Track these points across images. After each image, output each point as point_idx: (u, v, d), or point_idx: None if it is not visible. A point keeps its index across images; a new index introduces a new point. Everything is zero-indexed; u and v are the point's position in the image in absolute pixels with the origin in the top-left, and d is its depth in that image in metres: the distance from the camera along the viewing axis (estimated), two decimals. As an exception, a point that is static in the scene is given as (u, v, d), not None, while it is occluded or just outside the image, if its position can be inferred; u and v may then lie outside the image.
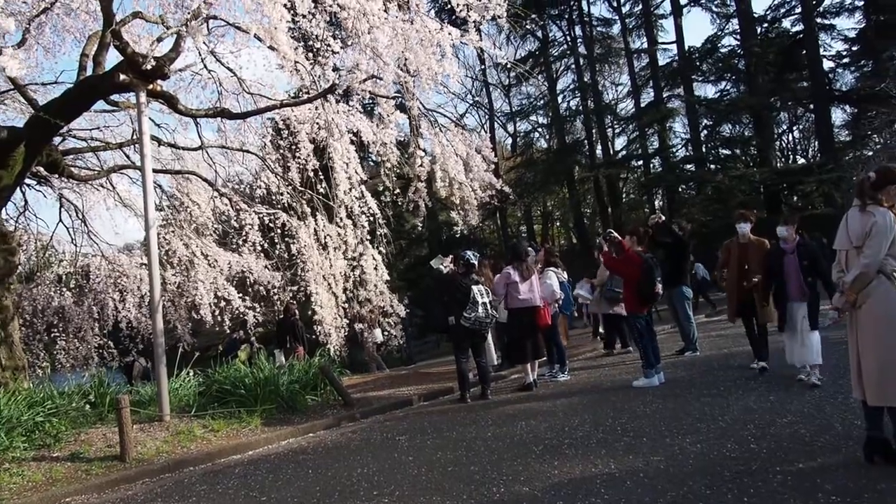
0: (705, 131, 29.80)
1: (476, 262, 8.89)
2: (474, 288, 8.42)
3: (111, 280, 13.46)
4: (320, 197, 11.82)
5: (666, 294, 9.88)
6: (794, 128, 35.84)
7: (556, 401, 7.68)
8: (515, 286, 8.64)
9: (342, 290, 11.76)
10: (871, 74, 25.67)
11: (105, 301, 13.42)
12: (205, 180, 12.91)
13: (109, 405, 7.87)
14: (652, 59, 30.23)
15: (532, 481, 4.62)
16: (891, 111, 21.14)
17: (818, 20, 26.12)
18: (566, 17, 32.36)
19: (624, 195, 35.70)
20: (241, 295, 12.72)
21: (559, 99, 33.92)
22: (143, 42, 9.44)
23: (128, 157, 12.48)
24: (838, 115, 29.54)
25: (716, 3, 29.51)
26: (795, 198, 26.82)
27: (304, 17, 7.57)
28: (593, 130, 32.62)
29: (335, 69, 9.33)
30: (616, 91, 37.41)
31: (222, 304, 12.64)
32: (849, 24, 51.71)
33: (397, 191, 12.36)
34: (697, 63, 29.42)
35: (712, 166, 28.55)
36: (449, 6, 8.36)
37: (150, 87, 8.38)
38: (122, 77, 8.09)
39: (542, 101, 34.78)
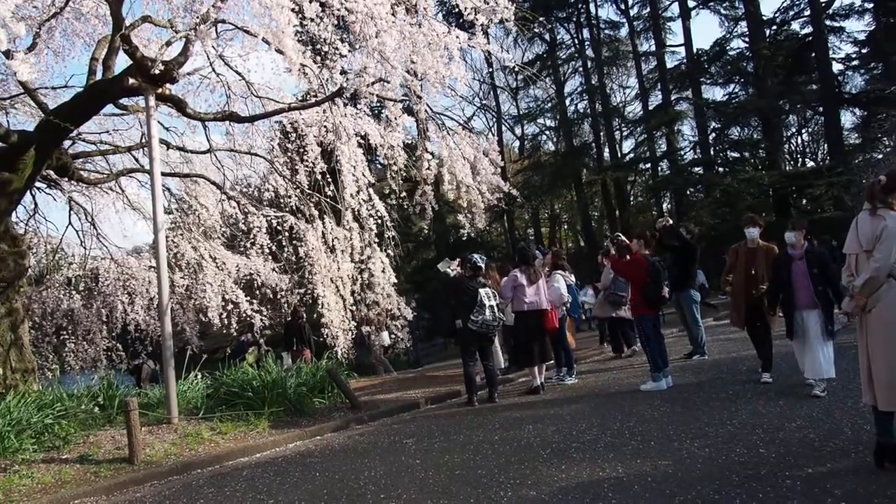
0: (713, 134, 29.69)
1: (483, 266, 8.88)
2: (481, 291, 8.41)
3: (120, 283, 13.54)
4: (328, 200, 11.85)
5: (674, 297, 9.85)
6: (803, 131, 35.73)
7: (564, 404, 7.66)
8: (522, 289, 8.63)
9: (350, 292, 11.79)
10: (880, 77, 25.55)
11: (114, 304, 13.50)
12: (213, 183, 12.97)
13: (118, 407, 7.90)
14: (660, 61, 30.15)
15: (539, 485, 4.61)
16: (901, 114, 21.02)
17: (827, 22, 25.99)
18: (574, 20, 32.35)
19: (632, 198, 35.64)
20: (248, 298, 12.77)
21: (567, 102, 33.89)
22: (152, 46, 9.51)
23: (136, 160, 12.55)
24: (848, 118, 29.48)
25: (724, 5, 29.42)
26: (804, 201, 26.70)
27: (311, 20, 7.59)
28: (601, 133, 32.58)
29: (343, 72, 9.35)
30: (624, 94, 37.44)
31: (230, 306, 12.69)
32: (858, 27, 51.56)
33: (403, 194, 12.38)
34: (706, 66, 29.32)
35: (720, 169, 28.46)
36: (457, 10, 8.36)
37: (159, 90, 8.42)
38: (131, 81, 8.14)
39: (549, 104, 34.75)
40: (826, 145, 31.46)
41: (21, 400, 7.40)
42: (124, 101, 10.18)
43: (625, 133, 35.20)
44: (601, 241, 28.80)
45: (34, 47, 9.28)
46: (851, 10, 26.06)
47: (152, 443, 7.19)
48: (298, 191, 12.47)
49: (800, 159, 36.82)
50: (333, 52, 8.33)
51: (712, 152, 29.16)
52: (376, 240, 11.72)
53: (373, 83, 8.64)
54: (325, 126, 11.46)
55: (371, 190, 11.66)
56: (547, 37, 31.76)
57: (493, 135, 33.58)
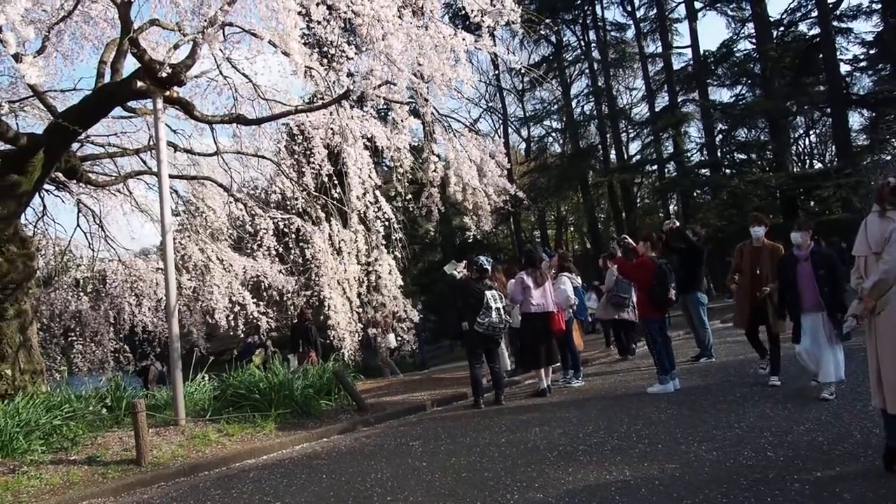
0: (720, 136, 29.60)
1: (489, 268, 8.88)
2: (488, 293, 8.41)
3: (127, 284, 13.60)
4: (334, 202, 11.87)
5: (680, 300, 9.82)
6: (811, 132, 35.61)
7: (571, 407, 7.65)
8: (529, 291, 8.63)
9: (356, 294, 11.80)
10: (888, 78, 25.45)
11: (121, 305, 13.56)
12: (220, 185, 13.02)
13: (126, 409, 7.92)
14: (666, 63, 30.09)
15: (546, 488, 4.60)
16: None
17: (835, 23, 25.89)
18: (580, 21, 32.33)
19: (638, 200, 35.56)
20: (255, 300, 12.80)
21: (573, 103, 33.86)
22: (159, 49, 9.55)
23: (144, 162, 12.62)
24: (855, 119, 29.33)
25: (731, 7, 29.37)
26: (812, 203, 26.59)
27: (318, 23, 7.60)
28: (607, 135, 32.54)
29: (349, 75, 9.38)
30: (630, 95, 37.36)
31: (237, 308, 12.73)
32: (866, 28, 51.40)
33: (409, 196, 12.40)
34: (713, 67, 29.25)
35: (727, 171, 28.37)
36: (463, 12, 8.38)
37: (167, 93, 8.46)
38: (139, 84, 8.18)
39: (555, 106, 34.75)
40: (834, 147, 31.35)
41: (30, 401, 7.45)
42: (132, 103, 10.24)
43: (631, 135, 35.19)
44: (608, 244, 28.79)
45: (43, 50, 9.35)
46: (859, 11, 26.00)
47: (160, 444, 7.22)
48: (305, 193, 12.50)
49: (807, 161, 36.70)
50: (340, 55, 8.34)
51: (719, 154, 29.08)
52: (383, 242, 11.73)
53: (379, 86, 8.66)
54: (331, 128, 11.49)
55: (378, 192, 11.68)
56: (553, 39, 31.76)
57: (500, 137, 33.50)
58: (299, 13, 7.30)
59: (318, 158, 11.81)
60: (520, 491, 4.60)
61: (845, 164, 24.32)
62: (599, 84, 32.05)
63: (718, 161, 28.57)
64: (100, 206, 13.72)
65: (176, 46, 8.63)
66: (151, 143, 11.25)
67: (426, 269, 30.69)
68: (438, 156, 11.90)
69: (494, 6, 8.01)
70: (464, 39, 8.19)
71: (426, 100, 10.89)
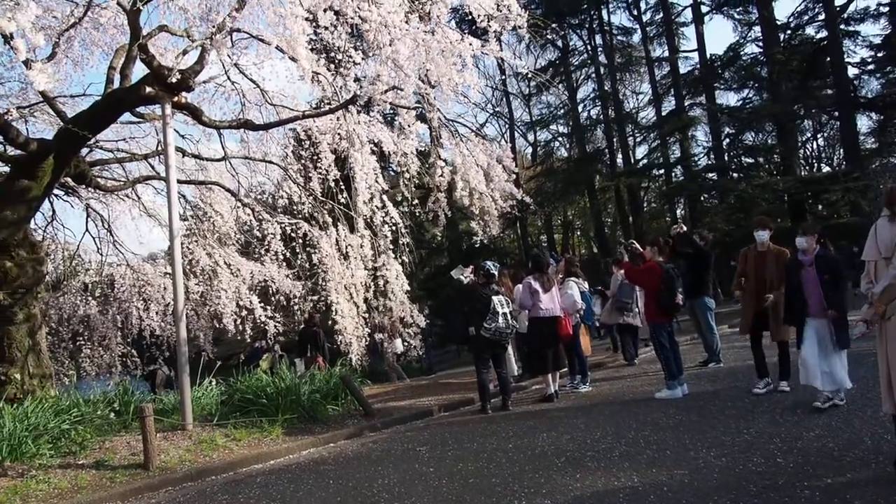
0: (728, 140, 29.53)
1: (496, 273, 8.87)
2: (494, 298, 8.39)
3: (135, 289, 13.64)
4: (341, 207, 11.89)
5: (688, 305, 9.80)
6: (819, 136, 35.48)
7: (578, 412, 7.63)
8: (538, 295, 8.61)
9: (362, 299, 11.81)
10: (896, 81, 25.34)
11: (129, 310, 13.60)
12: (228, 190, 13.06)
13: (133, 413, 7.95)
14: (673, 67, 30.06)
15: (554, 494, 4.59)
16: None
17: (842, 27, 25.83)
18: (586, 26, 32.33)
19: (645, 204, 35.47)
20: (262, 304, 12.83)
21: (579, 108, 33.85)
22: (168, 55, 9.60)
23: (153, 167, 12.66)
24: (864, 123, 29.22)
25: (738, 10, 29.29)
26: (820, 207, 26.48)
27: (325, 28, 7.64)
28: (614, 139, 32.49)
29: (356, 80, 9.40)
30: (637, 100, 37.30)
31: (244, 313, 12.75)
32: (874, 31, 51.03)
33: (416, 201, 12.41)
34: (719, 71, 29.20)
35: (735, 175, 28.29)
36: (469, 17, 8.40)
37: (176, 99, 8.50)
38: (148, 89, 8.22)
39: (562, 111, 34.72)
40: (842, 150, 31.22)
41: (38, 405, 7.47)
42: (141, 109, 10.29)
43: (638, 139, 35.11)
44: (614, 248, 28.77)
45: (53, 57, 9.39)
46: (867, 14, 25.91)
47: (167, 449, 7.23)
48: (312, 198, 12.53)
49: (815, 164, 36.53)
50: (347, 60, 8.38)
51: (726, 158, 29.01)
52: (390, 246, 11.74)
53: (386, 91, 8.69)
54: (338, 133, 11.52)
55: (385, 197, 11.70)
56: (560, 43, 31.76)
57: (506, 141, 33.57)
58: (307, 19, 7.33)
59: (325, 163, 11.84)
60: (527, 497, 4.59)
61: (853, 167, 24.20)
62: (606, 88, 32.02)
63: (726, 165, 28.49)
64: (108, 210, 13.80)
65: (184, 52, 8.70)
66: (160, 148, 11.30)
67: (433, 274, 30.68)
68: (445, 160, 11.92)
69: (501, 11, 8.04)
70: (470, 44, 8.21)
71: (433, 105, 10.93)
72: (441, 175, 11.65)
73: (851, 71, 26.59)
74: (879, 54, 26.23)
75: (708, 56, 28.74)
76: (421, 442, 7.11)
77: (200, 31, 8.24)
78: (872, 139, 28.86)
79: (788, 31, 27.77)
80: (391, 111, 11.76)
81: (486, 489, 4.91)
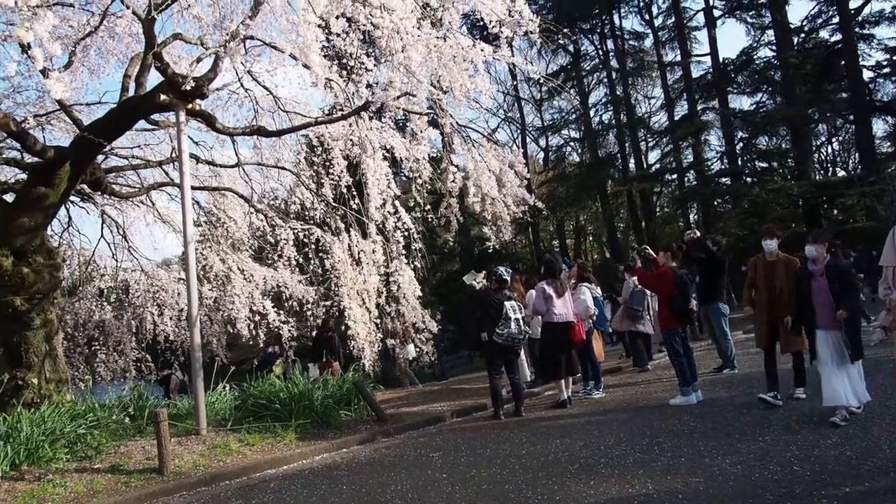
0: (741, 144, 29.35)
1: (509, 278, 8.86)
2: (507, 304, 8.38)
3: (150, 294, 13.76)
4: (353, 212, 11.93)
5: (702, 310, 9.73)
6: (834, 140, 35.21)
7: (591, 418, 7.60)
8: (551, 301, 8.59)
9: (375, 305, 11.83)
10: (912, 84, 25.10)
11: (143, 315, 13.71)
12: (241, 196, 13.14)
13: (148, 418, 7.99)
14: (685, 71, 29.93)
15: (568, 501, 4.57)
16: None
17: (857, 30, 25.61)
18: (598, 31, 32.32)
19: (658, 209, 35.33)
20: (276, 309, 12.89)
21: (591, 113, 33.79)
22: (182, 63, 9.69)
23: (167, 174, 12.77)
24: (879, 126, 28.97)
25: (750, 14, 29.13)
26: (836, 211, 26.24)
27: (338, 35, 7.68)
28: (626, 144, 32.40)
29: (368, 86, 9.45)
30: (649, 104, 37.20)
31: (257, 318, 12.82)
32: (889, 34, 50.77)
33: (428, 206, 12.43)
34: (732, 75, 29.04)
35: (748, 180, 28.09)
36: (481, 23, 8.40)
37: (190, 106, 8.57)
38: (162, 97, 8.30)
39: (574, 115, 34.66)
40: (857, 154, 30.95)
41: (55, 410, 7.53)
42: (155, 116, 10.38)
43: (650, 144, 34.99)
44: (627, 253, 28.64)
45: (70, 65, 9.52)
46: (881, 17, 25.65)
47: (181, 454, 7.27)
48: (324, 203, 12.57)
49: (830, 169, 36.24)
50: (359, 67, 8.41)
51: (740, 162, 28.81)
52: (402, 252, 11.76)
53: (399, 97, 8.71)
54: (350, 139, 11.56)
55: (397, 202, 11.73)
56: (571, 48, 31.76)
57: (518, 146, 33.54)
58: (319, 26, 7.37)
59: (337, 169, 11.88)
60: (541, 504, 4.58)
61: (869, 171, 23.98)
62: (618, 93, 31.96)
63: (739, 169, 28.30)
64: (123, 217, 13.95)
65: (198, 60, 8.76)
66: (174, 155, 11.40)
67: (445, 280, 30.68)
68: (457, 166, 11.92)
69: (512, 16, 8.04)
70: (482, 50, 8.22)
71: (445, 110, 10.94)
72: (453, 180, 11.66)
73: (866, 74, 26.38)
74: (894, 57, 25.99)
75: (721, 60, 28.60)
76: (434, 448, 7.10)
77: (214, 39, 8.32)
78: (888, 143, 28.61)
79: (802, 35, 27.57)
80: (403, 117, 11.80)
81: (500, 496, 4.90)
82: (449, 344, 23.84)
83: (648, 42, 32.26)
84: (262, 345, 14.11)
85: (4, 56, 9.46)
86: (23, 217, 8.67)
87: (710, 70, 29.40)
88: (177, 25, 9.42)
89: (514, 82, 33.40)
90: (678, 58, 30.78)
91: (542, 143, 37.78)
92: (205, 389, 8.41)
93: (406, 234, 11.73)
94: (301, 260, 12.80)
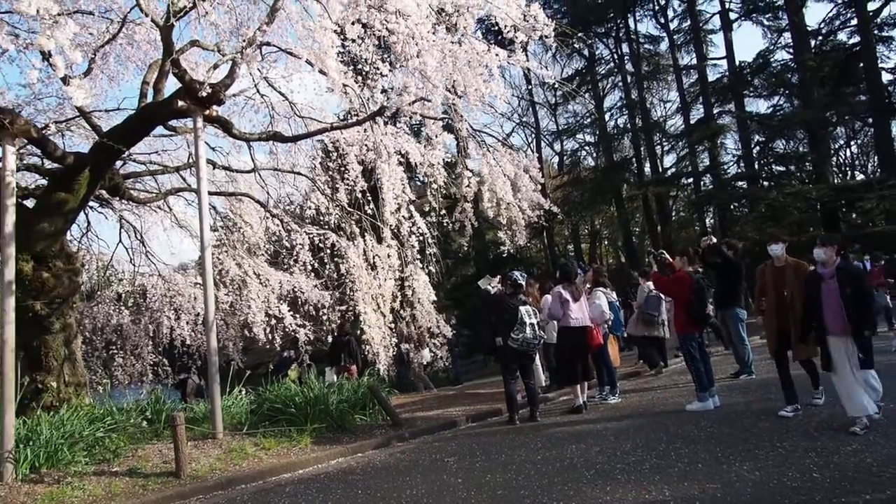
0: (758, 148, 29.14)
1: (524, 283, 8.84)
2: (522, 308, 8.36)
3: (167, 299, 13.87)
4: (368, 217, 11.98)
5: (719, 316, 9.64)
6: (852, 143, 34.86)
7: (607, 424, 7.55)
8: (568, 305, 8.56)
9: (390, 309, 11.85)
10: (933, 87, 24.81)
11: (160, 319, 13.82)
12: (257, 202, 13.23)
13: (165, 422, 8.05)
14: (701, 75, 29.79)
15: (584, 507, 4.54)
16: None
17: (876, 32, 25.37)
18: (613, 34, 32.29)
19: (674, 213, 35.14)
20: (291, 313, 12.96)
21: (606, 117, 33.74)
22: (199, 69, 9.79)
23: (184, 179, 12.90)
24: (899, 129, 28.54)
25: (767, 16, 28.99)
26: (854, 215, 25.95)
27: (353, 41, 7.73)
28: (641, 148, 32.30)
29: (383, 91, 9.49)
30: (664, 108, 37.11)
31: (273, 322, 12.89)
32: (908, 36, 50.07)
33: (443, 211, 12.45)
34: (749, 78, 28.88)
35: (765, 183, 27.87)
36: (496, 27, 8.43)
37: (207, 112, 8.65)
38: (180, 103, 8.38)
39: (589, 120, 34.64)
40: (876, 157, 30.61)
41: (74, 413, 7.62)
42: (173, 122, 10.49)
43: (666, 147, 34.89)
44: (642, 258, 28.50)
45: (90, 72, 9.65)
46: (901, 19, 25.43)
47: (198, 457, 7.31)
48: (339, 208, 12.63)
49: (849, 172, 35.88)
50: (374, 72, 8.45)
51: (757, 166, 28.61)
52: (417, 257, 11.78)
53: (413, 102, 8.75)
54: (365, 145, 11.62)
55: (412, 207, 11.75)
56: (586, 52, 31.75)
57: (532, 151, 33.40)
58: (335, 31, 7.42)
59: (352, 174, 11.94)
60: (557, 509, 4.56)
61: (888, 174, 23.70)
62: (633, 97, 31.89)
63: (756, 173, 28.09)
64: (141, 222, 14.08)
65: (215, 66, 8.86)
66: (191, 160, 11.50)
67: (459, 284, 30.70)
68: (472, 170, 11.95)
69: (527, 21, 8.06)
70: (497, 55, 8.24)
71: (460, 115, 10.96)
72: (468, 185, 11.68)
73: (886, 77, 26.13)
74: (915, 59, 25.74)
75: (737, 63, 28.46)
76: (449, 453, 7.09)
77: (231, 46, 8.41)
78: (908, 146, 28.20)
79: (820, 37, 27.38)
80: (418, 122, 11.83)
81: (515, 501, 4.88)
82: (463, 348, 23.86)
83: (664, 45, 32.23)
84: (278, 348, 14.18)
85: (25, 64, 9.59)
86: (43, 222, 8.79)
87: (727, 73, 29.28)
88: (194, 32, 9.54)
89: (529, 87, 33.49)
90: (694, 61, 30.66)
91: (557, 147, 37.84)
92: (221, 393, 8.46)
93: (420, 238, 11.75)
94: (316, 264, 12.85)
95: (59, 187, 8.88)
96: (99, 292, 14.83)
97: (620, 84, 33.07)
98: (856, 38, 25.96)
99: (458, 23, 8.12)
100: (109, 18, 9.25)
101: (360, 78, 9.35)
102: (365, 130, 11.34)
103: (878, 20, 25.53)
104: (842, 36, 27.26)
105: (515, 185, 12.21)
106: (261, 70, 9.81)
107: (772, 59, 28.44)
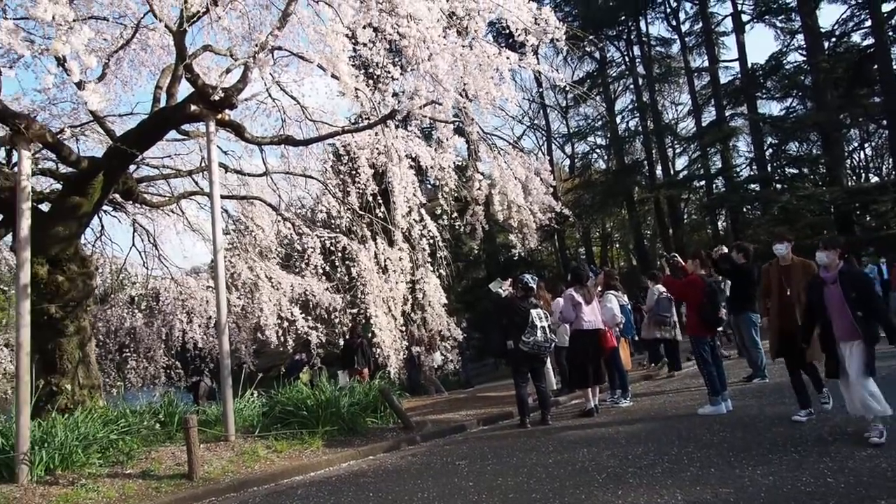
0: (770, 150, 28.90)
1: (535, 287, 8.82)
2: (533, 312, 8.35)
3: (179, 302, 13.95)
4: (380, 221, 12.01)
5: (732, 320, 9.57)
6: (866, 145, 34.49)
7: (619, 427, 7.52)
8: (580, 308, 8.54)
9: (401, 312, 11.87)
10: (948, 88, 24.50)
11: (173, 322, 13.90)
12: (269, 205, 13.30)
13: (178, 424, 8.10)
14: (713, 77, 29.60)
15: (596, 511, 4.53)
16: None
17: (890, 33, 25.11)
18: (624, 37, 32.16)
19: (685, 216, 34.95)
20: (303, 315, 13.00)
21: (618, 119, 33.60)
22: (212, 74, 9.87)
23: (196, 183, 12.98)
24: (914, 131, 28.22)
25: (780, 18, 28.75)
26: (868, 218, 25.69)
27: (364, 45, 7.76)
28: (653, 151, 32.13)
29: (394, 95, 9.52)
30: (676, 110, 36.90)
31: (285, 324, 12.94)
32: (923, 37, 49.61)
33: (455, 214, 12.46)
34: (761, 80, 28.64)
35: (778, 186, 27.65)
36: (507, 31, 8.44)
37: (219, 116, 8.70)
38: (192, 108, 8.44)
39: (600, 122, 34.52)
40: (891, 160, 30.33)
41: (88, 416, 7.68)
42: (186, 126, 10.57)
43: (678, 150, 34.65)
44: (654, 261, 28.36)
45: (104, 77, 9.75)
46: (916, 20, 25.17)
47: (210, 460, 7.35)
48: (350, 212, 12.67)
49: (863, 174, 35.53)
50: (385, 76, 8.48)
51: (769, 169, 28.37)
52: (428, 260, 11.79)
53: (424, 105, 8.76)
54: (377, 148, 11.65)
55: (422, 210, 11.77)
56: (597, 55, 31.65)
57: (544, 154, 33.44)
58: (346, 36, 7.46)
59: (363, 178, 11.98)
60: (569, 513, 4.54)
61: (903, 177, 23.48)
62: (644, 99, 31.75)
63: (769, 176, 27.86)
64: (154, 225, 14.20)
65: (228, 71, 8.93)
66: (204, 164, 11.58)
67: (470, 287, 30.66)
68: (483, 174, 11.95)
69: (538, 24, 8.06)
70: (508, 58, 8.24)
71: (471, 118, 10.98)
72: (479, 188, 11.68)
73: (900, 78, 25.82)
74: (930, 61, 25.44)
75: (749, 65, 28.24)
76: (460, 456, 7.09)
77: (243, 50, 8.48)
78: (923, 148, 27.91)
79: (833, 39, 27.09)
80: (429, 125, 11.86)
81: (527, 505, 4.87)
82: (474, 352, 23.82)
83: (675, 48, 32.03)
84: (290, 351, 14.23)
85: (41, 69, 9.71)
86: (57, 226, 8.88)
87: (739, 75, 29.08)
88: (207, 37, 9.61)
89: (540, 89, 33.41)
90: (706, 63, 30.48)
91: (568, 150, 37.73)
92: (233, 396, 8.50)
93: (431, 241, 11.77)
94: (328, 268, 12.89)
95: (73, 191, 8.96)
96: (112, 295, 14.95)
97: (632, 87, 32.94)
98: (870, 40, 25.66)
99: (469, 26, 8.13)
100: (123, 24, 9.35)
101: (371, 81, 9.39)
102: (376, 134, 11.38)
103: (893, 21, 25.27)
104: (856, 37, 26.97)
105: (526, 188, 12.19)
106: (273, 74, 9.89)
107: (785, 61, 28.20)
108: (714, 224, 32.94)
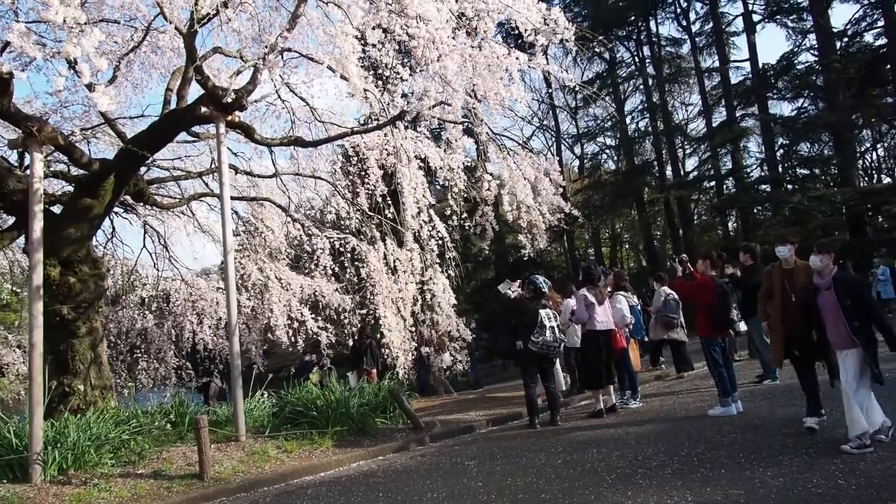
0: (781, 151, 28.74)
1: (546, 290, 8.79)
2: (542, 312, 8.34)
3: (189, 303, 14.03)
4: (389, 221, 12.02)
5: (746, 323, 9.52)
6: (878, 145, 34.21)
7: (629, 428, 7.50)
8: (592, 308, 8.53)
9: (410, 313, 11.88)
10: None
11: (183, 323, 13.98)
12: (278, 206, 13.35)
13: (189, 425, 8.14)
14: (724, 77, 29.46)
15: (605, 512, 4.52)
16: None
17: (903, 33, 24.93)
18: (634, 37, 32.08)
19: (695, 217, 34.78)
20: (313, 316, 13.04)
21: (627, 120, 33.50)
22: (222, 75, 9.92)
23: (206, 185, 13.05)
24: (927, 132, 28.06)
25: (791, 18, 28.58)
26: (881, 219, 25.49)
27: (374, 46, 7.78)
28: (663, 151, 32.01)
29: (404, 96, 9.52)
30: (686, 111, 36.73)
31: (295, 325, 12.98)
32: (936, 36, 49.15)
33: (464, 215, 12.46)
34: (772, 80, 28.47)
35: (789, 187, 27.48)
36: (516, 31, 8.42)
37: (229, 118, 8.74)
38: (203, 109, 8.48)
39: (609, 123, 34.40)
40: (904, 160, 30.10)
41: (100, 416, 7.73)
42: (196, 128, 10.63)
43: (688, 151, 34.49)
44: (664, 262, 28.21)
45: (114, 80, 9.82)
46: (929, 20, 24.94)
47: (221, 460, 7.38)
48: (360, 213, 12.69)
49: (875, 175, 35.25)
50: (395, 77, 8.49)
51: (780, 169, 28.20)
52: (437, 260, 11.80)
53: (434, 106, 8.76)
54: (386, 149, 11.67)
55: (432, 211, 11.78)
56: (607, 55, 31.51)
57: (553, 154, 33.42)
58: (355, 37, 7.47)
59: (372, 179, 12.01)
60: (578, 514, 4.53)
61: (916, 178, 23.29)
62: (654, 100, 31.64)
63: (780, 177, 27.70)
64: (164, 227, 14.28)
65: (238, 73, 8.98)
66: (214, 166, 11.64)
67: (479, 288, 30.66)
68: (492, 174, 11.93)
69: (547, 25, 8.04)
70: (517, 58, 8.24)
71: (480, 119, 10.97)
72: (488, 189, 11.67)
73: (913, 78, 25.61)
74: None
75: (760, 65, 28.10)
76: (469, 456, 7.09)
77: (253, 52, 8.51)
78: (936, 148, 27.74)
79: (845, 39, 26.90)
80: (438, 126, 11.88)
81: (536, 505, 4.86)
82: (483, 352, 23.80)
83: (685, 48, 31.90)
84: (301, 351, 14.28)
85: (52, 72, 9.80)
86: (69, 228, 8.95)
87: (750, 76, 28.92)
88: (217, 39, 9.66)
89: (550, 90, 33.39)
90: (716, 64, 30.33)
91: (578, 150, 37.61)
92: (243, 397, 8.54)
93: (441, 242, 11.78)
94: (337, 268, 12.92)
95: (85, 193, 9.03)
96: (123, 297, 15.06)
97: (641, 87, 32.82)
98: (883, 40, 25.48)
99: (479, 27, 8.13)
100: (134, 27, 9.42)
101: (380, 83, 9.41)
102: (385, 135, 11.40)
103: (906, 20, 25.08)
104: (868, 37, 26.76)
105: (536, 189, 12.17)
106: (282, 76, 9.91)
107: (796, 61, 28.01)
108: (724, 225, 32.78)
